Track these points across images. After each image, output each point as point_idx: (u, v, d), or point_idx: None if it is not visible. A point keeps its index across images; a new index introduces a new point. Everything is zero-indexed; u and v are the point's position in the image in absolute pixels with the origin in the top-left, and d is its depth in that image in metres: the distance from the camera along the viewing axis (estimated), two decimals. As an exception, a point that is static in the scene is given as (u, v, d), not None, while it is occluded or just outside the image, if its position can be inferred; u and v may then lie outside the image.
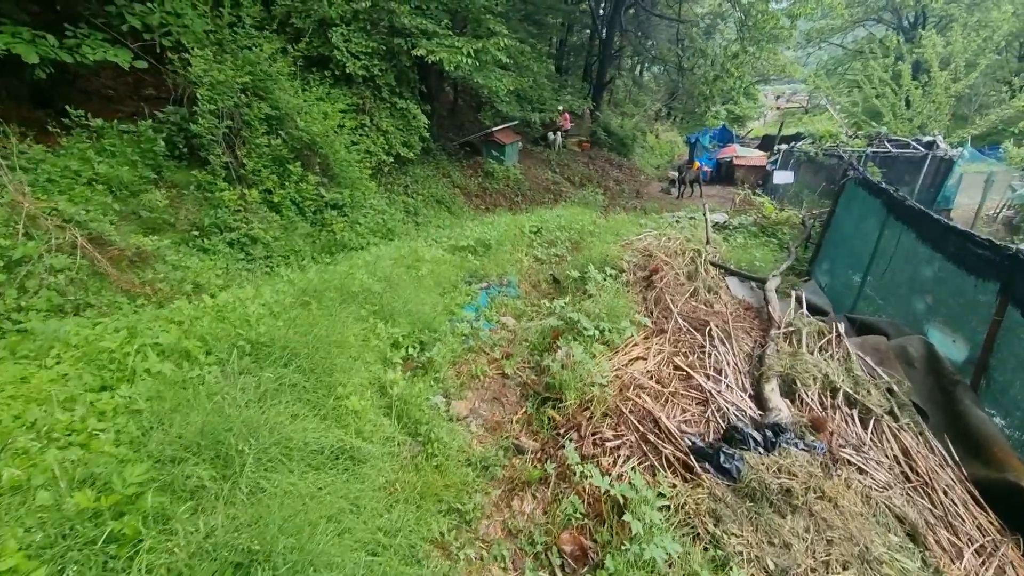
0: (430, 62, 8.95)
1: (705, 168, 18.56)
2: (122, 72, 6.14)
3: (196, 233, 5.75)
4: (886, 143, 10.38)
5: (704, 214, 8.06)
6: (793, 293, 5.25)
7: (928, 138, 10.86)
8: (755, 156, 16.50)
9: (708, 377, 3.99)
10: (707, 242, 6.77)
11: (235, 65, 6.60)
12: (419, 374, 3.91)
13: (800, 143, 11.64)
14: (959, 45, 12.79)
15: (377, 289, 4.39)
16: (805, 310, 5.00)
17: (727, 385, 3.91)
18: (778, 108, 52.76)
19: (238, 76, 6.42)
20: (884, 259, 5.48)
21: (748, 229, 8.70)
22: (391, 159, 9.38)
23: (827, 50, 38.97)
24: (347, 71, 8.64)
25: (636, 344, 4.50)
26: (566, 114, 18.35)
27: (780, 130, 15.80)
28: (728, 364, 4.16)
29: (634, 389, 3.76)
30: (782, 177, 9.96)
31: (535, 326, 4.92)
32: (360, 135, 8.82)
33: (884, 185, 5.73)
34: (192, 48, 6.21)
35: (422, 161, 11.82)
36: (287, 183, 6.80)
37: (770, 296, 5.25)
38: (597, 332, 4.42)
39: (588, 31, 25.44)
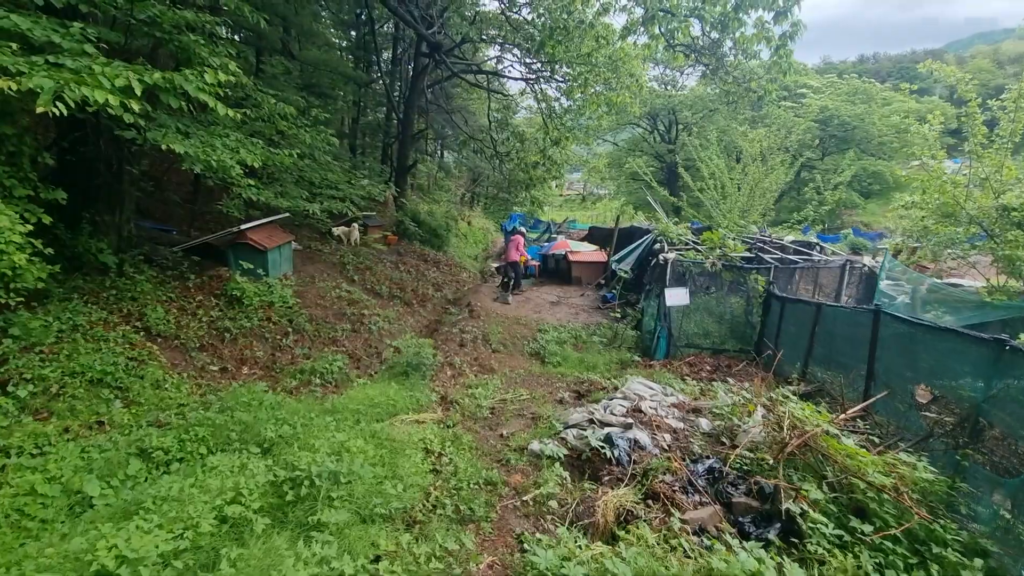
0: (7, 91, 3.76)
1: (532, 262, 16.28)
2: None
3: None
4: (767, 246, 9.01)
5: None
6: None
7: (788, 237, 10.18)
8: (591, 252, 14.70)
9: None
10: None
11: None
12: None
13: (664, 250, 9.49)
14: (770, 141, 13.39)
15: None
16: None
17: None
18: (560, 195, 58.73)
19: None
20: None
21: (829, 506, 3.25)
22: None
23: (599, 147, 44.46)
24: None
25: None
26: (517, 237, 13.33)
27: (617, 223, 14.32)
28: None
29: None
30: (676, 297, 7.41)
31: None
32: None
33: None
34: None
35: (75, 295, 6.00)
36: None
37: None
38: None
39: (384, 110, 22.55)
